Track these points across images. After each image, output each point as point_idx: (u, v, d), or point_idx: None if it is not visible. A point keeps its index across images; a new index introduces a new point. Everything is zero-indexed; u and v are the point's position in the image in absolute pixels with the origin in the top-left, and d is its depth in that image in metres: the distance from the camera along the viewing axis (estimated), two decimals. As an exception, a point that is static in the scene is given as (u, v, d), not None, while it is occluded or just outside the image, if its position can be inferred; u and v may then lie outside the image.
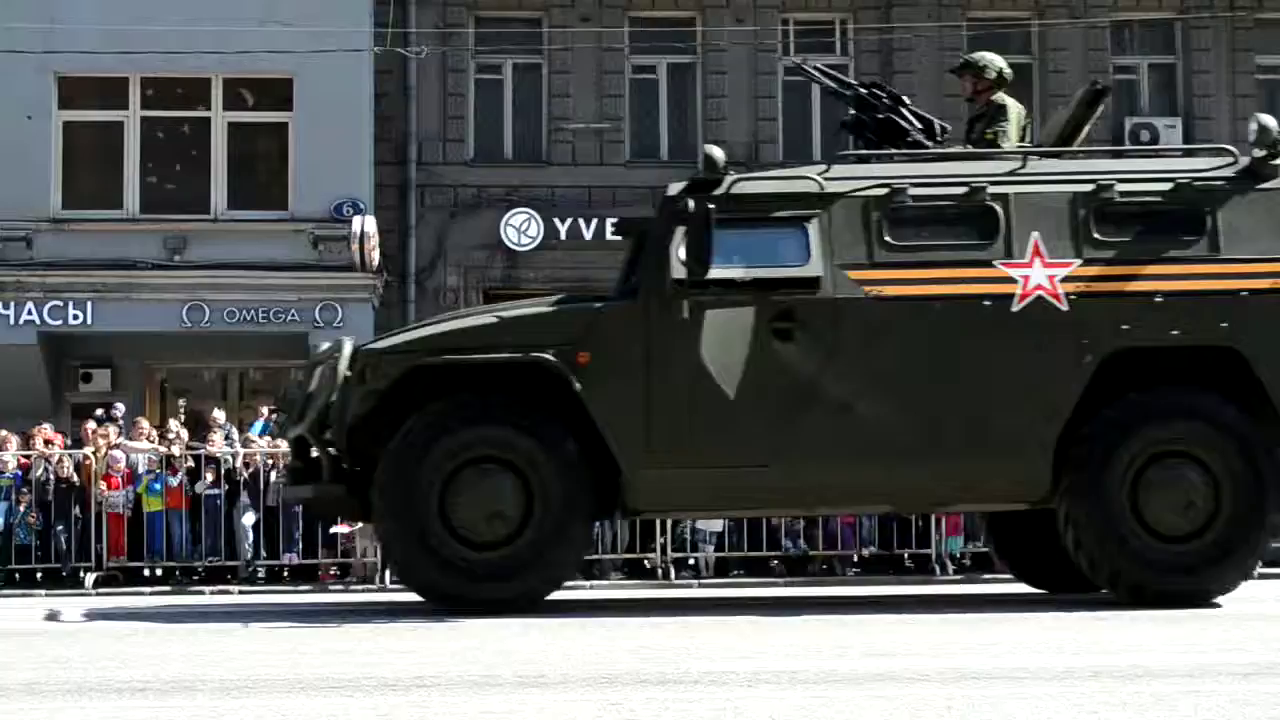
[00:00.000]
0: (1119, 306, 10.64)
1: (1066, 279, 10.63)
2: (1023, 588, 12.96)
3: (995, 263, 10.67)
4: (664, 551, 18.40)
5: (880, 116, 11.69)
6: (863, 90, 11.92)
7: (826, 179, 10.91)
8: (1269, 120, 11.00)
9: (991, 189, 10.77)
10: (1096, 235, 10.72)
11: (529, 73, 24.76)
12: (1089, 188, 10.80)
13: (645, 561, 18.70)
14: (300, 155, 23.20)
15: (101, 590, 17.61)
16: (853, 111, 12.02)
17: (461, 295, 23.71)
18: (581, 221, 23.82)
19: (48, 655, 8.30)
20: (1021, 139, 11.80)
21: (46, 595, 17.16)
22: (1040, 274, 10.62)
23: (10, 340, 22.48)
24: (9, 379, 21.77)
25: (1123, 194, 10.80)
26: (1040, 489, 10.73)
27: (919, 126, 11.68)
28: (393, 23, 23.60)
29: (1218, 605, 10.64)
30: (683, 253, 10.52)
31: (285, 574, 18.61)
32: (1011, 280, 10.64)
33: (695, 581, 18.06)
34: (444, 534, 10.44)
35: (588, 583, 17.87)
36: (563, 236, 23.63)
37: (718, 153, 10.89)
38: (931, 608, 11.32)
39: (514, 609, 10.30)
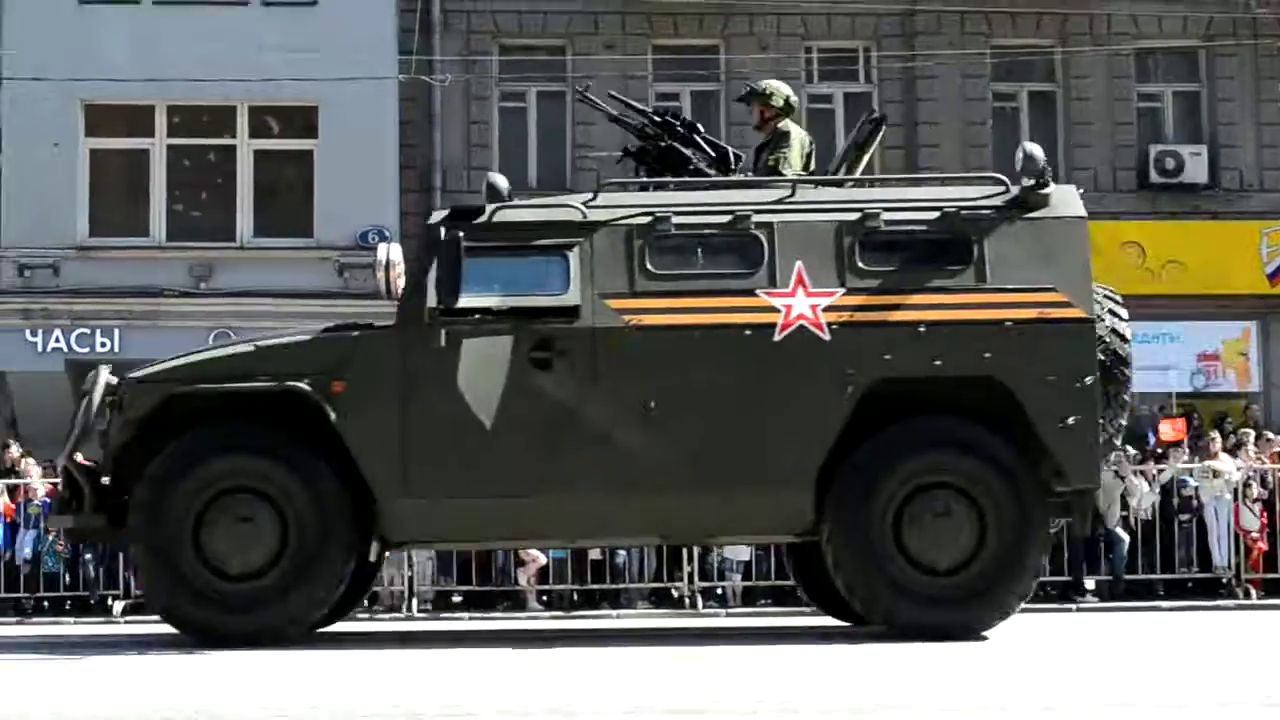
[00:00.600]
0: (881, 336, 10.45)
1: (829, 308, 10.44)
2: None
3: (758, 292, 10.47)
4: (691, 580, 18.37)
5: (663, 145, 11.46)
6: (657, 119, 11.62)
7: (590, 207, 10.70)
8: (1035, 149, 10.83)
9: (756, 218, 10.59)
10: (861, 264, 10.53)
11: (553, 100, 24.79)
12: (854, 216, 10.62)
13: (673, 590, 18.68)
14: (325, 183, 23.28)
15: (129, 619, 17.59)
16: (637, 140, 11.73)
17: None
18: (606, 249, 23.79)
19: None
20: (806, 167, 11.58)
21: (74, 623, 17.17)
22: (803, 303, 10.44)
23: (38, 367, 22.55)
24: (37, 406, 21.79)
25: (888, 223, 10.61)
26: (803, 521, 10.56)
27: (712, 155, 11.51)
28: (417, 50, 23.69)
29: (984, 639, 10.43)
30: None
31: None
32: (774, 309, 10.45)
33: (723, 610, 18.03)
34: (197, 565, 10.31)
35: (614, 612, 17.90)
36: (587, 264, 23.62)
37: (501, 180, 10.80)
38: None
39: (267, 641, 10.16)
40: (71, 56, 22.41)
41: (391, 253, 23.18)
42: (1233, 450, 20.00)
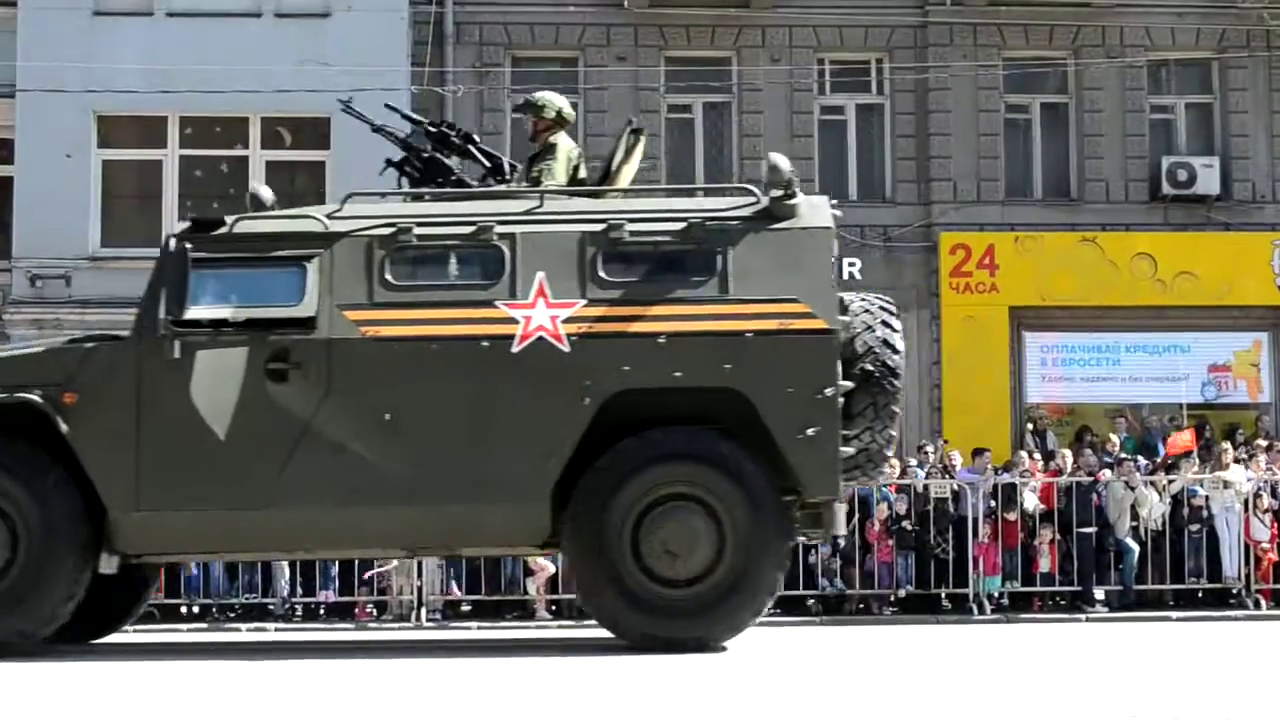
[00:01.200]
0: (621, 347, 10.31)
1: (569, 319, 10.31)
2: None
3: (497, 303, 10.35)
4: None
5: (425, 155, 11.36)
6: (432, 129, 11.51)
7: (333, 218, 10.57)
8: (781, 160, 10.70)
9: (499, 228, 10.47)
10: (603, 275, 10.40)
11: (565, 112, 24.80)
12: (599, 228, 10.48)
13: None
14: (338, 194, 23.20)
15: (138, 627, 17.60)
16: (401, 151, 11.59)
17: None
18: (617, 260, 23.81)
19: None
20: (574, 180, 11.51)
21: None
22: (543, 314, 10.31)
23: (50, 378, 22.56)
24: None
25: (633, 234, 10.46)
26: (542, 533, 10.46)
27: (488, 166, 11.48)
28: (430, 62, 23.76)
29: (723, 649, 10.29)
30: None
31: (321, 611, 18.64)
32: (513, 321, 10.31)
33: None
34: None
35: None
36: (599, 275, 23.56)
37: (265, 192, 10.74)
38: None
39: None
40: (85, 68, 22.51)
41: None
42: (1244, 461, 19.98)
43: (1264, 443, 21.02)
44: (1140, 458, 20.81)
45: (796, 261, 10.43)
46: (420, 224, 10.54)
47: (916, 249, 24.40)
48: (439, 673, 9.08)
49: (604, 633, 10.61)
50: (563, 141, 11.64)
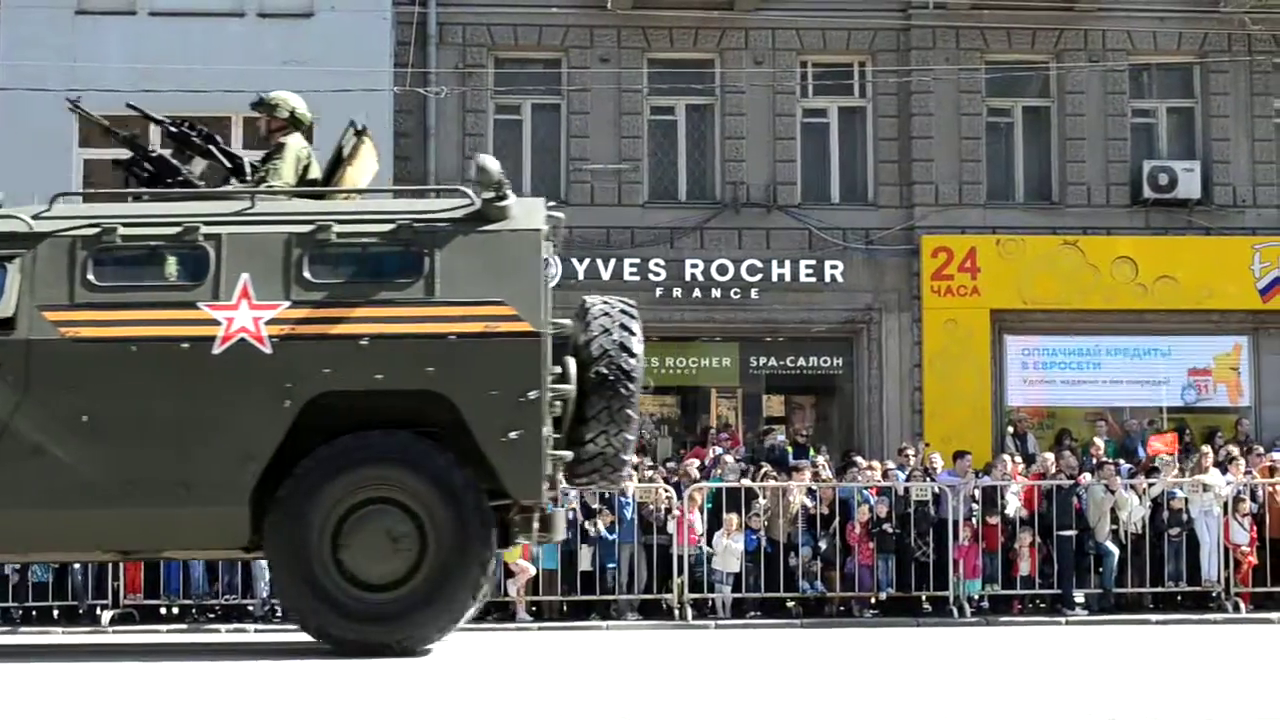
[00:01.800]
0: (323, 350, 10.21)
1: (272, 321, 10.21)
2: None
3: (200, 304, 10.26)
4: (681, 592, 18.38)
5: (153, 155, 11.29)
6: (173, 129, 11.40)
7: (39, 218, 10.48)
8: (489, 161, 10.56)
9: (205, 229, 10.35)
10: (309, 277, 10.30)
11: (548, 113, 24.84)
12: (306, 229, 10.37)
13: (663, 603, 18.71)
14: (319, 194, 23.24)
15: (117, 628, 17.62)
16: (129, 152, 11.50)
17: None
18: (599, 262, 23.84)
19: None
20: (303, 180, 11.43)
21: (63, 633, 17.17)
22: (246, 316, 10.22)
23: (30, 377, 22.49)
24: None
25: (339, 235, 10.38)
26: (241, 536, 10.38)
27: (228, 166, 11.40)
28: (413, 63, 23.73)
29: (427, 653, 10.29)
30: None
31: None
32: (215, 322, 10.20)
33: (712, 623, 18.04)
34: None
35: (604, 623, 17.91)
36: (580, 276, 23.53)
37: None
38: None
39: None
40: (66, 66, 22.43)
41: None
42: (1223, 465, 20.04)
43: (1243, 447, 21.07)
44: (1121, 461, 20.86)
45: (504, 264, 10.35)
46: (126, 224, 10.42)
47: (898, 252, 24.42)
48: (410, 674, 9.07)
49: (596, 634, 10.63)
50: (293, 141, 11.52)
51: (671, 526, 18.76)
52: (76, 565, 18.13)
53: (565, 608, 18.72)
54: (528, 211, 10.63)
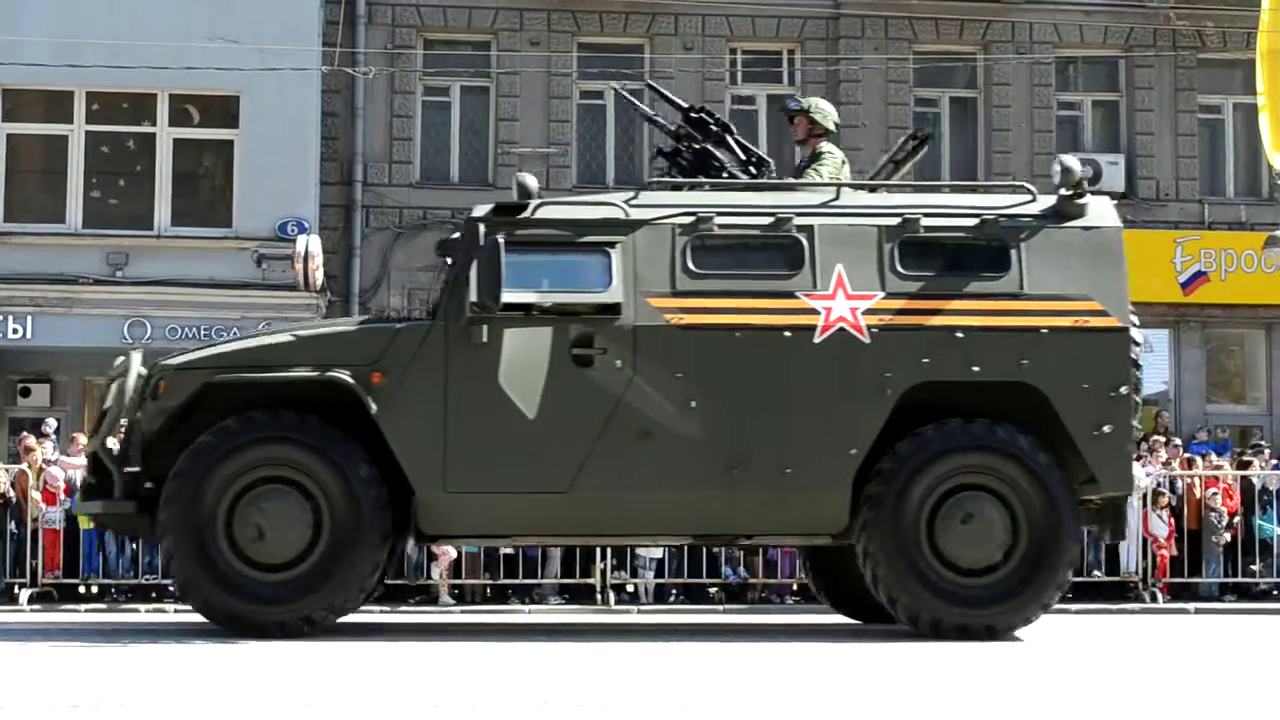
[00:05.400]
0: (921, 340, 10.58)
1: (869, 311, 10.57)
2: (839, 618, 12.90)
3: (798, 294, 10.59)
4: (604, 577, 18.38)
5: (697, 147, 11.57)
6: (693, 116, 11.73)
7: (633, 205, 10.80)
8: (1072, 161, 11.08)
9: (798, 220, 10.72)
10: (901, 269, 10.68)
11: (477, 96, 24.77)
12: (895, 221, 10.76)
13: (586, 587, 18.70)
14: (245, 173, 23.13)
15: (36, 607, 17.46)
16: (671, 141, 11.85)
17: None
18: (526, 245, 23.76)
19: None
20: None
21: (-18, 611, 17.01)
22: (843, 306, 10.55)
23: (-52, 353, 22.30)
24: (-53, 389, 21.60)
25: (928, 228, 10.76)
26: (839, 523, 10.65)
27: (743, 158, 11.64)
28: (341, 42, 23.59)
29: (1017, 639, 10.58)
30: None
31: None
32: (814, 311, 10.56)
33: (634, 608, 18.05)
34: (229, 553, 10.31)
35: (527, 607, 17.90)
36: (507, 260, 23.44)
37: (531, 181, 10.80)
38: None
39: (299, 631, 10.27)
40: (-12, 38, 22.18)
41: (310, 244, 23.40)
42: (1143, 457, 20.17)
43: (1163, 439, 21.22)
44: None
45: (1089, 260, 10.74)
46: (720, 213, 10.73)
47: (825, 240, 24.45)
48: (336, 656, 9.04)
49: (519, 618, 10.63)
50: (834, 149, 11.90)
51: (596, 511, 18.71)
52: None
53: (489, 592, 18.69)
54: (1101, 209, 11.01)
